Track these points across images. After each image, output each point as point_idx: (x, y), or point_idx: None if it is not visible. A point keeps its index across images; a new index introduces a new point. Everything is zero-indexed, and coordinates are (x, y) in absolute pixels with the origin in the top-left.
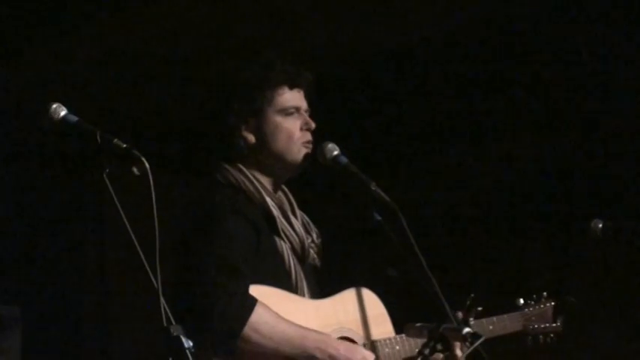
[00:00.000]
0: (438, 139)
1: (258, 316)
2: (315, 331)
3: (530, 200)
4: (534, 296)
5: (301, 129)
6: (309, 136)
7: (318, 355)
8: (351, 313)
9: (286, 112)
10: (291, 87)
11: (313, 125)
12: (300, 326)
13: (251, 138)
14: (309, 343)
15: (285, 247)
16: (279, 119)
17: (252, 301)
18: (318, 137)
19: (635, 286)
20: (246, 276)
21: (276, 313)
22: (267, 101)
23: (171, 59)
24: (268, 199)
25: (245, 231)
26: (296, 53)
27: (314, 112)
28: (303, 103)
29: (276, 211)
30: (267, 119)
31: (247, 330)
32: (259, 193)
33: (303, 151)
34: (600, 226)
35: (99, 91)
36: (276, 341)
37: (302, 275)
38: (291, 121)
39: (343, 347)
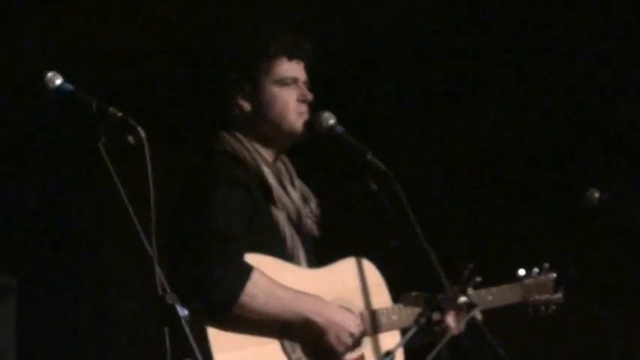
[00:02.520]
0: (433, 107)
1: (254, 283)
2: (311, 294)
3: (528, 169)
4: (535, 267)
5: (297, 100)
6: (304, 108)
7: (315, 318)
8: (348, 283)
9: (283, 82)
10: (290, 58)
11: (310, 97)
12: (296, 291)
13: (247, 106)
14: (305, 307)
15: (280, 216)
16: (275, 89)
17: (249, 268)
18: (318, 107)
19: (631, 258)
20: (242, 243)
21: (272, 279)
22: (264, 71)
23: (168, 25)
24: (265, 168)
25: (241, 199)
26: (293, 21)
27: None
28: (301, 75)
29: (272, 180)
30: (263, 89)
31: (244, 297)
32: (255, 161)
33: (300, 120)
34: (597, 195)
35: (93, 60)
36: (272, 306)
37: (298, 244)
38: (287, 92)
39: (338, 310)
